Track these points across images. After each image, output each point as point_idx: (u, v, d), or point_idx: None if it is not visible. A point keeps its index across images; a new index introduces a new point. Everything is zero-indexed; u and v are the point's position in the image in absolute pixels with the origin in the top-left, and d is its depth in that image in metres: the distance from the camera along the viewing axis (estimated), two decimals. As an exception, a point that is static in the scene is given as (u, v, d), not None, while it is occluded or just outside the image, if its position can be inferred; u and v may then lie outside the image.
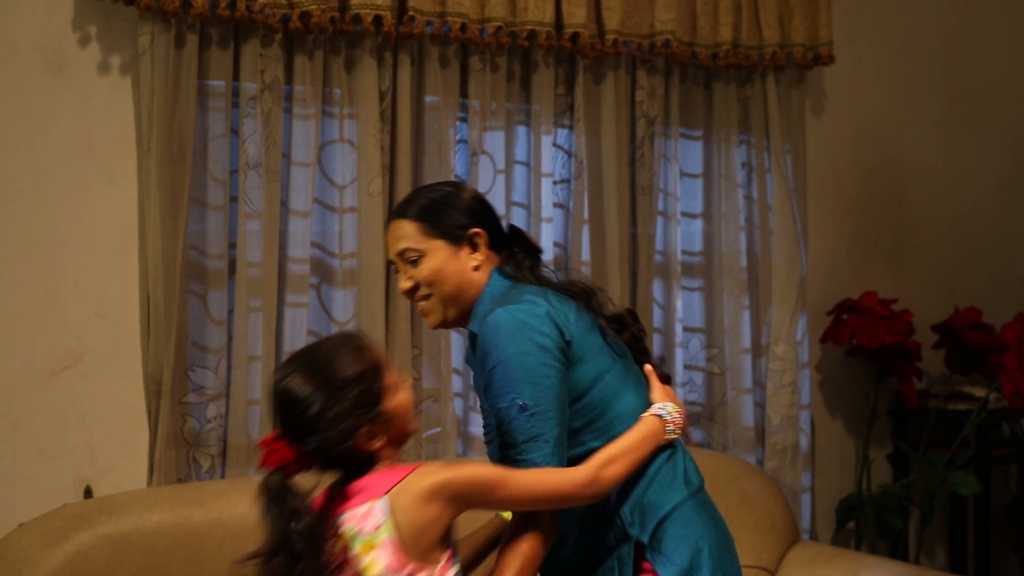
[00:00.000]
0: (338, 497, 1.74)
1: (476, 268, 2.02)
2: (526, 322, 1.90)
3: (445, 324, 2.06)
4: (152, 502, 2.45)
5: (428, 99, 2.95)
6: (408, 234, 2.01)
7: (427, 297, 2.02)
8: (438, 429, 2.98)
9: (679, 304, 3.29)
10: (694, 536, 1.95)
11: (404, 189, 2.87)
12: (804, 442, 3.46)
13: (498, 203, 3.04)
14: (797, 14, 3.38)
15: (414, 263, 2.01)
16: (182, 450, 2.69)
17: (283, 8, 2.68)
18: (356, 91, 2.84)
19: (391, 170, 2.88)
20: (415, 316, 2.92)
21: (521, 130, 3.10)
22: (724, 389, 3.38)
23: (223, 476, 2.73)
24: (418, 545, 1.70)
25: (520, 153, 3.11)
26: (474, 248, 2.02)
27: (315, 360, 1.76)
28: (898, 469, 3.79)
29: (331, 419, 1.70)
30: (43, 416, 2.58)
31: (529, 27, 2.97)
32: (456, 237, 2.01)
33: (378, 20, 2.77)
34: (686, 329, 3.34)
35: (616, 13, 3.09)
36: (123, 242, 2.66)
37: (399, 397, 1.79)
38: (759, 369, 3.44)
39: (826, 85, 3.68)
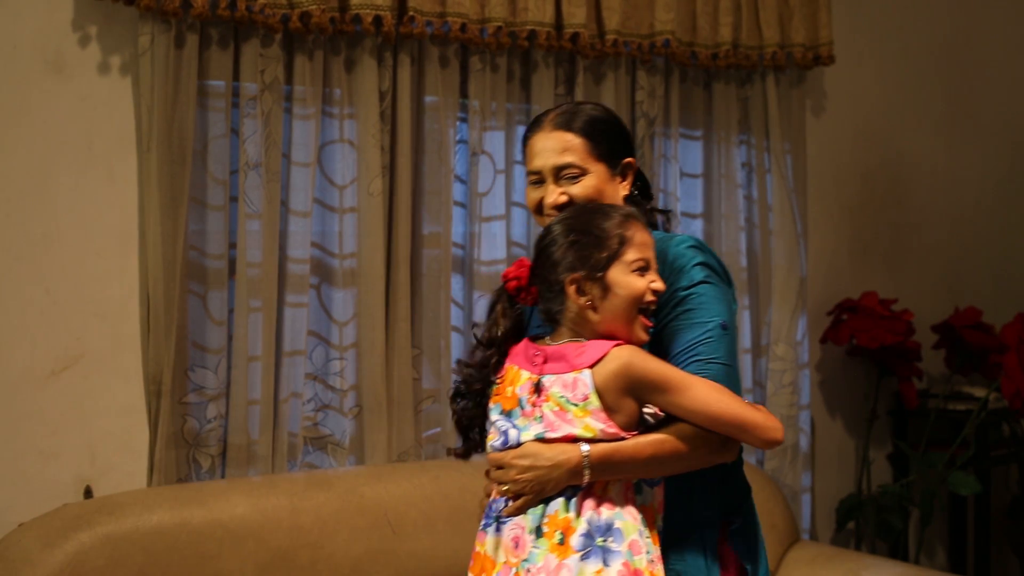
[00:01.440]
0: (537, 352, 1.84)
1: (623, 199, 1.99)
2: (712, 252, 1.95)
3: None
4: (152, 502, 2.45)
5: (428, 99, 2.95)
6: (574, 148, 1.95)
7: None
8: (438, 429, 2.98)
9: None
10: (757, 526, 1.99)
11: (404, 189, 2.87)
12: (804, 442, 3.47)
13: (498, 203, 3.04)
14: (797, 14, 3.39)
15: (573, 179, 1.94)
16: (182, 450, 2.69)
17: (283, 8, 2.68)
18: (356, 91, 2.84)
19: (391, 170, 2.88)
20: (415, 316, 2.93)
21: (521, 130, 3.09)
22: (724, 389, 3.37)
23: (223, 476, 2.73)
24: (618, 416, 1.79)
25: (520, 153, 3.10)
26: (623, 178, 2.00)
27: (583, 213, 1.88)
28: (898, 469, 3.79)
29: (559, 254, 1.83)
30: (43, 416, 2.58)
31: (529, 27, 2.97)
32: (615, 164, 1.97)
33: (378, 20, 2.77)
34: (686, 329, 3.34)
35: (616, 13, 3.09)
36: (123, 242, 2.66)
37: (630, 280, 1.81)
38: (759, 369, 3.44)
39: (826, 85, 3.68)
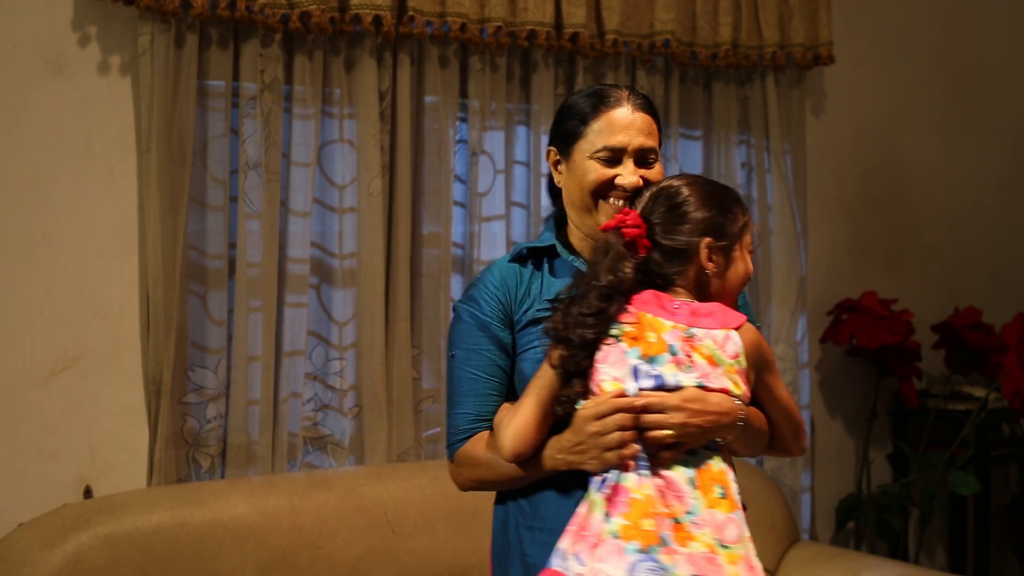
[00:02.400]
0: (678, 304, 1.81)
1: None
2: None
3: None
4: (152, 502, 2.45)
5: (428, 99, 2.95)
6: (655, 134, 1.94)
7: (630, 202, 1.90)
8: (437, 429, 2.98)
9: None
10: (510, 549, 1.98)
11: (404, 189, 2.87)
12: (804, 442, 3.46)
13: (498, 203, 3.04)
14: (797, 14, 3.39)
15: (649, 164, 1.92)
16: (182, 450, 2.69)
17: (283, 8, 2.68)
18: (356, 91, 2.84)
19: (391, 170, 2.88)
20: (415, 316, 2.93)
21: (521, 130, 3.10)
22: (724, 389, 3.37)
23: (223, 476, 2.73)
24: (745, 384, 1.80)
25: (520, 153, 3.11)
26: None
27: (712, 183, 1.89)
28: (898, 469, 3.79)
29: (692, 218, 1.81)
30: (43, 416, 2.58)
31: (529, 27, 2.97)
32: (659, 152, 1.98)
33: (378, 20, 2.77)
34: (686, 329, 3.34)
35: (616, 13, 3.09)
36: (123, 242, 2.66)
37: (748, 260, 1.87)
38: (759, 369, 3.44)
39: (826, 85, 3.68)
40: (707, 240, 1.81)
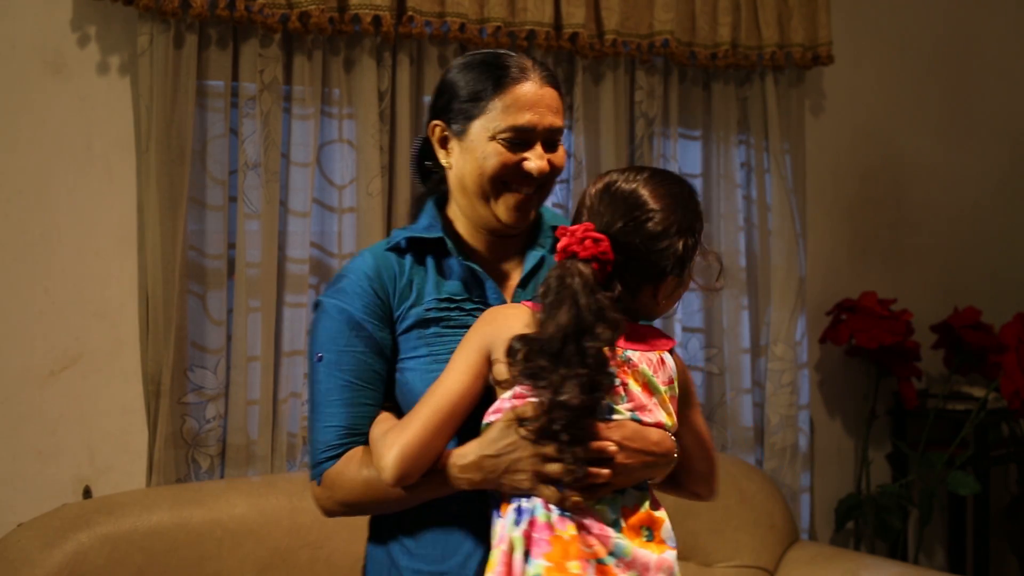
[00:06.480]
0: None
1: None
2: None
3: (516, 233, 1.75)
4: (151, 502, 2.45)
5: (427, 99, 2.95)
6: (561, 112, 1.71)
7: (537, 190, 1.71)
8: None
9: (678, 304, 3.29)
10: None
11: (403, 189, 2.87)
12: (803, 442, 3.47)
13: (497, 203, 3.03)
14: (796, 14, 3.39)
15: (553, 147, 1.70)
16: (181, 450, 2.69)
17: (282, 8, 2.68)
18: (355, 91, 2.84)
19: (390, 170, 2.88)
20: (414, 316, 2.92)
21: (520, 130, 3.10)
22: (723, 389, 3.38)
23: (222, 476, 2.73)
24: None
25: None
26: None
27: (693, 198, 1.64)
28: (897, 469, 3.79)
29: (667, 244, 1.57)
30: (42, 416, 2.58)
31: (528, 27, 2.97)
32: None
33: (377, 20, 2.77)
34: (685, 329, 3.35)
35: (615, 13, 3.09)
36: (122, 242, 2.66)
37: (690, 277, 1.67)
38: (758, 369, 3.44)
39: (825, 85, 3.68)
40: (674, 275, 1.61)
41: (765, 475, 3.19)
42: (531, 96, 1.67)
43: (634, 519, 1.57)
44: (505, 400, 1.57)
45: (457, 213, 1.76)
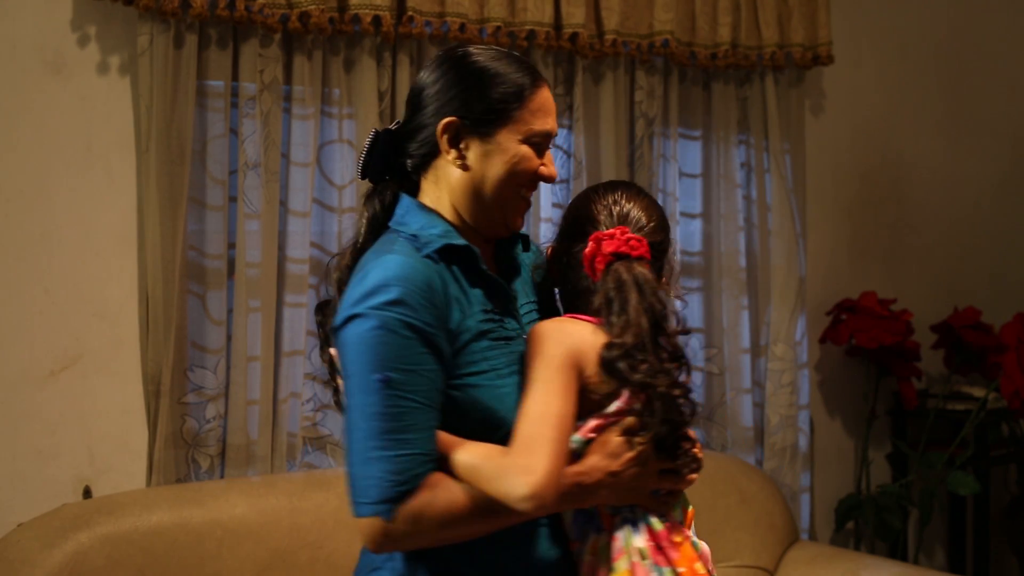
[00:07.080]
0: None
1: None
2: None
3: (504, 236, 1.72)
4: (151, 502, 2.45)
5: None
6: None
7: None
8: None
9: (678, 304, 3.29)
10: None
11: (403, 189, 2.87)
12: (803, 442, 3.46)
13: (497, 203, 3.03)
14: (796, 14, 3.39)
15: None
16: (181, 450, 2.69)
17: (282, 8, 2.68)
18: (355, 91, 2.84)
19: (390, 170, 2.88)
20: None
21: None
22: (723, 389, 3.38)
23: (222, 476, 2.72)
24: None
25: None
26: None
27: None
28: (897, 469, 3.79)
29: (668, 240, 1.73)
30: (42, 416, 2.58)
31: (528, 27, 2.97)
32: None
33: (377, 20, 2.77)
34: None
35: (615, 13, 3.09)
36: (122, 242, 2.66)
37: None
38: (758, 369, 3.44)
39: (825, 85, 3.68)
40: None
41: (765, 475, 3.19)
42: (550, 102, 1.65)
43: (688, 516, 1.70)
44: (606, 415, 1.61)
45: (452, 215, 1.66)
